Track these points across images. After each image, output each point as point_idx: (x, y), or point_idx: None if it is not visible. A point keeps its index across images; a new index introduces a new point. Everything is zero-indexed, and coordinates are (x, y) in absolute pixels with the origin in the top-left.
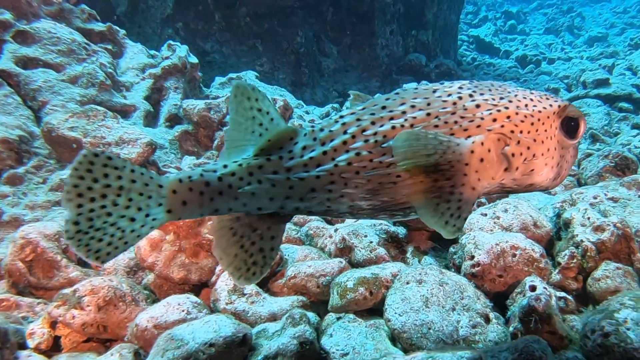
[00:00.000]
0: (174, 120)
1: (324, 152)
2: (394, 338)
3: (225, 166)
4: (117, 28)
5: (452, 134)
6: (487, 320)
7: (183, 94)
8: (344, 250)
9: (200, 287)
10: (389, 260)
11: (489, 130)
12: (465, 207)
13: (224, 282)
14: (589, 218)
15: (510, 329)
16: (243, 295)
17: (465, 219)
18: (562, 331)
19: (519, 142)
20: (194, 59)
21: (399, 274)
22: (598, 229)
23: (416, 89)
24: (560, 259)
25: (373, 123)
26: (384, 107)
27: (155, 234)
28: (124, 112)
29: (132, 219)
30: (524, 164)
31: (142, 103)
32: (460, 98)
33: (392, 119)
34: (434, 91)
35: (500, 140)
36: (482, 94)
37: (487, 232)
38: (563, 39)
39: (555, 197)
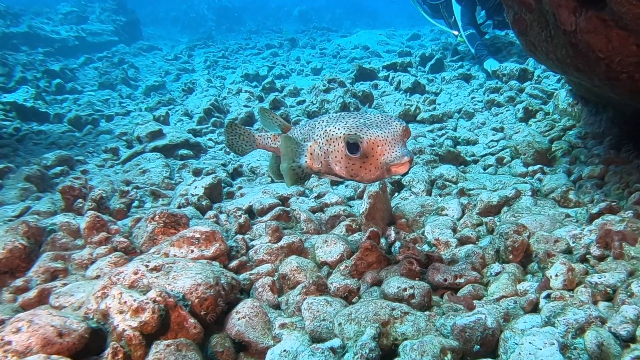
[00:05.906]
0: None
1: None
2: None
3: (271, 134)
4: None
5: (307, 138)
6: None
7: None
8: None
9: None
10: None
11: (314, 140)
12: (306, 175)
13: None
14: (125, 302)
15: None
16: None
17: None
18: None
19: (320, 147)
20: None
21: None
22: (138, 310)
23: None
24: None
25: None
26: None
27: None
28: None
29: (244, 145)
30: (324, 160)
31: None
32: (319, 123)
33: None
34: (319, 121)
35: (316, 145)
36: (327, 123)
37: None
38: (120, 93)
39: (98, 282)
